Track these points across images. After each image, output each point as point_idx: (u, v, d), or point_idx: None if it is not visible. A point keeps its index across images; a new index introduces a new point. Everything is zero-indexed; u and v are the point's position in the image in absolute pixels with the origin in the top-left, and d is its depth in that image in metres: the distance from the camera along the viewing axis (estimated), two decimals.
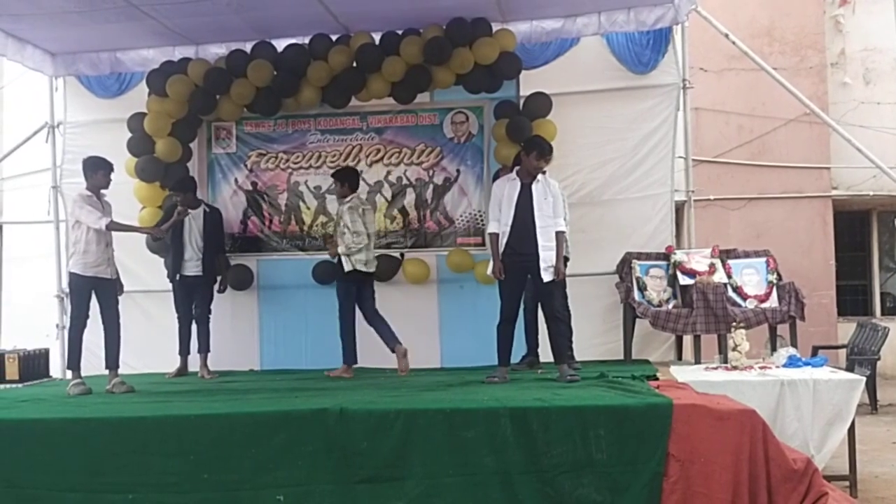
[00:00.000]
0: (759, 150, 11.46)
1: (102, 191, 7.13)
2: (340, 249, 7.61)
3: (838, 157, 11.29)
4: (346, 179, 7.86)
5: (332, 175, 8.09)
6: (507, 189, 6.72)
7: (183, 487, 5.07)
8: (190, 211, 7.99)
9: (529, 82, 8.40)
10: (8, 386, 7.46)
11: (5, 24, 8.05)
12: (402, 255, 8.62)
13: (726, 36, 8.43)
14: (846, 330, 10.52)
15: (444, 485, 4.97)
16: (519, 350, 7.41)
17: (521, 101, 8.38)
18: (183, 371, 8.19)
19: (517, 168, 6.87)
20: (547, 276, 6.58)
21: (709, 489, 4.82)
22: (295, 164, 8.88)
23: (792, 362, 6.60)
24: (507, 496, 4.94)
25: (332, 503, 4.99)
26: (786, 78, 8.88)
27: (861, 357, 9.15)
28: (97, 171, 7.04)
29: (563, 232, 6.78)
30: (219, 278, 8.41)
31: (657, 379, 6.36)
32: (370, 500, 4.99)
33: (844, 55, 11.77)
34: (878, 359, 9.17)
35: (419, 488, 4.97)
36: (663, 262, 8.06)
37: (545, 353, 7.50)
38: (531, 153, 6.67)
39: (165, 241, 8.09)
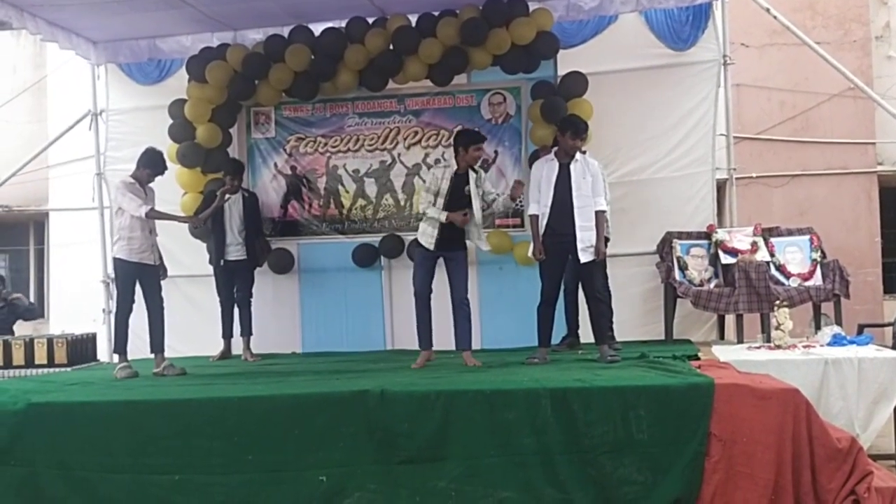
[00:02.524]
0: (803, 127, 11.27)
1: None
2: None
3: (883, 131, 11.07)
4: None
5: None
6: (546, 170, 6.71)
7: (227, 468, 5.15)
8: (230, 196, 8.08)
9: (567, 61, 8.33)
10: (57, 370, 7.59)
11: (48, 14, 8.16)
12: None
13: (767, 10, 8.31)
14: (892, 307, 10.36)
15: (485, 465, 5.00)
16: (559, 331, 7.42)
17: (558, 81, 8.33)
18: (226, 354, 8.31)
19: (555, 149, 6.84)
20: (585, 257, 6.55)
21: (751, 469, 4.80)
22: (333, 147, 8.92)
23: (836, 341, 6.51)
24: (548, 476, 4.95)
25: (374, 484, 5.03)
26: (829, 52, 8.73)
27: None
28: (146, 167, 7.17)
29: (603, 211, 6.73)
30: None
31: (699, 359, 6.32)
32: (411, 480, 5.03)
33: (889, 28, 11.51)
34: None
35: (460, 469, 5.00)
36: (704, 241, 7.99)
37: (586, 334, 7.50)
38: (566, 132, 6.64)
39: (207, 226, 8.19)
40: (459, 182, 6.81)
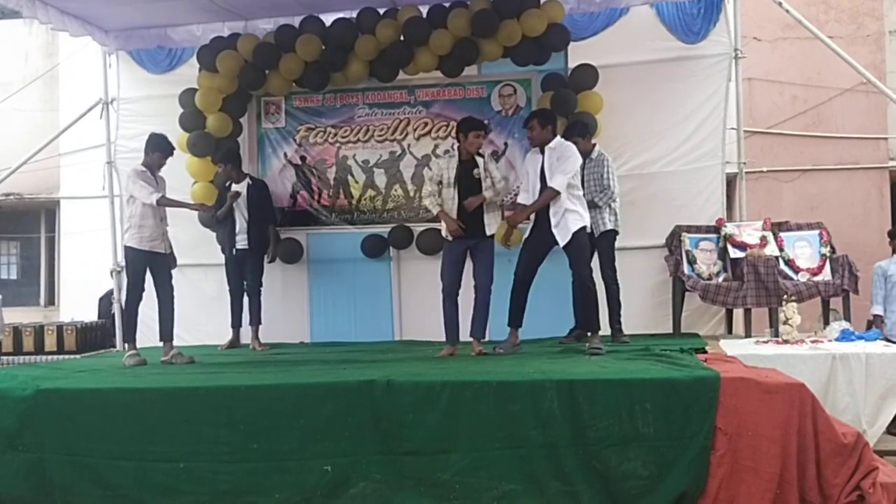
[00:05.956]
0: (814, 121, 11.23)
1: None
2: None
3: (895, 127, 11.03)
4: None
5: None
6: (531, 161, 6.95)
7: (233, 457, 5.16)
8: (239, 193, 8.10)
9: (578, 54, 8.32)
10: (66, 357, 7.64)
11: (59, 3, 8.17)
12: None
13: (780, 4, 8.25)
14: None
15: (490, 457, 4.99)
16: (569, 322, 7.46)
17: (568, 73, 8.31)
18: (235, 343, 8.35)
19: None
20: (561, 239, 6.66)
21: (757, 463, 4.79)
22: (343, 138, 8.93)
23: (845, 336, 6.50)
24: (554, 469, 4.93)
25: (378, 474, 5.03)
26: (842, 47, 8.69)
27: None
28: (155, 151, 7.19)
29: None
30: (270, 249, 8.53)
31: (706, 352, 6.31)
32: (416, 471, 5.02)
33: None
34: None
35: (465, 461, 4.99)
36: (714, 235, 7.98)
37: None
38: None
39: (217, 216, 8.22)
40: (467, 169, 6.89)
